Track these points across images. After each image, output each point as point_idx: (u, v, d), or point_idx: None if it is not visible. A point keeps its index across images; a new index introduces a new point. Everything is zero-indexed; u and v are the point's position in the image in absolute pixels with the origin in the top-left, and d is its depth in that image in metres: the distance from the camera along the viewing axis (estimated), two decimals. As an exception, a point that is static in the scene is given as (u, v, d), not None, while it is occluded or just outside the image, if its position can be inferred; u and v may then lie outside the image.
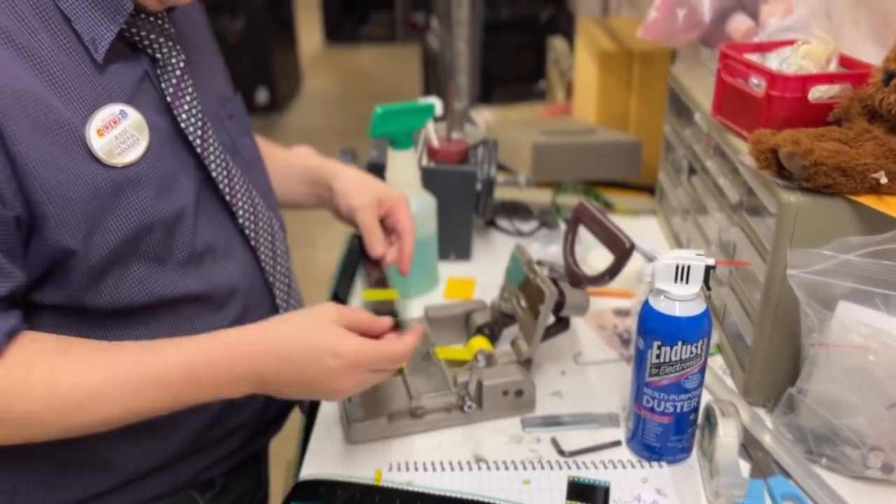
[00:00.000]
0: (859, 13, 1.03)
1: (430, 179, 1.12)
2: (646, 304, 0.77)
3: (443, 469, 0.81)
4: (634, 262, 0.85)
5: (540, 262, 0.93)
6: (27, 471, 0.80)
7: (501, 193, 1.38)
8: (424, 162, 1.20)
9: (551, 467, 0.81)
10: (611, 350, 1.01)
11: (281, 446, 1.13)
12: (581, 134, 1.48)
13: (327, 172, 1.02)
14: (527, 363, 0.91)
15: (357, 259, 1.03)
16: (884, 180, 0.76)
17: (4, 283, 0.68)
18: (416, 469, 0.82)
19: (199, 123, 0.80)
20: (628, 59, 1.50)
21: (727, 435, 0.77)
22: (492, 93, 2.88)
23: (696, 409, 0.80)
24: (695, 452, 0.83)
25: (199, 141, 0.80)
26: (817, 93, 0.85)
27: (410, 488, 0.79)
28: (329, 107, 5.21)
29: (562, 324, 0.93)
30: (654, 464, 0.82)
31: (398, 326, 0.79)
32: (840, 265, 0.75)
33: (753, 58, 0.93)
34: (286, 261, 0.95)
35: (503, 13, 3.06)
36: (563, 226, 1.32)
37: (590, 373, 0.97)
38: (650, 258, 0.82)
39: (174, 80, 0.78)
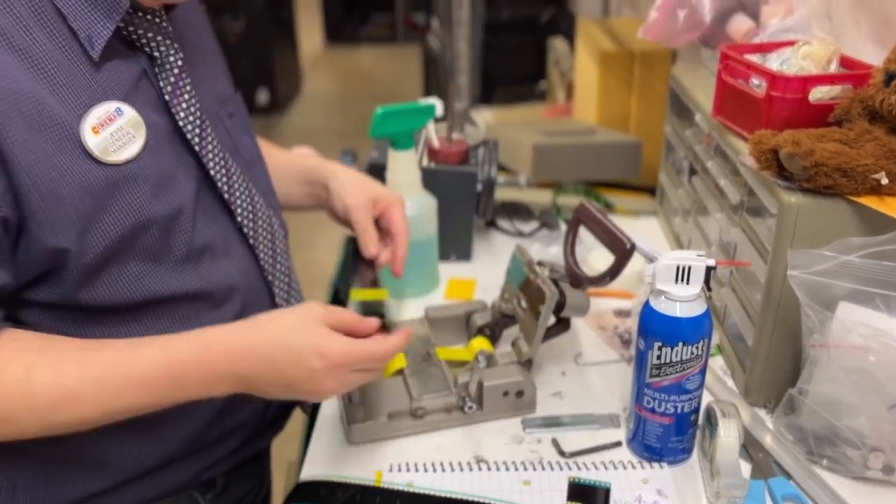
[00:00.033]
0: (860, 14, 1.03)
1: (430, 180, 1.12)
2: (646, 304, 0.77)
3: (443, 470, 0.81)
4: (635, 263, 0.85)
5: (540, 263, 0.93)
6: (28, 468, 0.80)
7: (502, 194, 1.38)
8: (425, 162, 1.20)
9: (552, 468, 0.81)
10: (611, 351, 1.01)
11: (283, 446, 1.14)
12: (581, 134, 1.48)
13: (324, 172, 1.03)
14: (527, 364, 0.91)
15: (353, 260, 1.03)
16: (884, 181, 0.76)
17: None
18: (417, 470, 0.82)
19: (198, 122, 0.80)
20: (629, 60, 1.50)
21: (728, 436, 0.77)
22: (492, 93, 2.88)
23: (696, 410, 0.80)
24: (695, 453, 0.83)
25: (197, 139, 0.80)
26: (818, 94, 0.85)
27: (411, 489, 0.79)
28: (329, 107, 5.21)
29: (562, 324, 0.93)
30: (655, 464, 0.82)
31: (385, 327, 0.79)
32: (841, 266, 0.75)
33: (754, 58, 0.93)
34: (286, 260, 0.95)
35: (504, 14, 3.06)
36: (563, 226, 1.32)
37: (590, 373, 0.97)
38: (651, 259, 0.82)
39: (172, 79, 0.78)
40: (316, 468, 0.83)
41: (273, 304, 0.92)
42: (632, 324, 1.06)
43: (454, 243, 1.21)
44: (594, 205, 0.91)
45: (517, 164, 1.43)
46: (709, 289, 0.76)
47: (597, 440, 0.85)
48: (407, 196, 1.06)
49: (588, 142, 1.44)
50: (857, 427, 0.76)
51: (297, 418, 1.06)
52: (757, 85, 0.90)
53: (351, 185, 0.99)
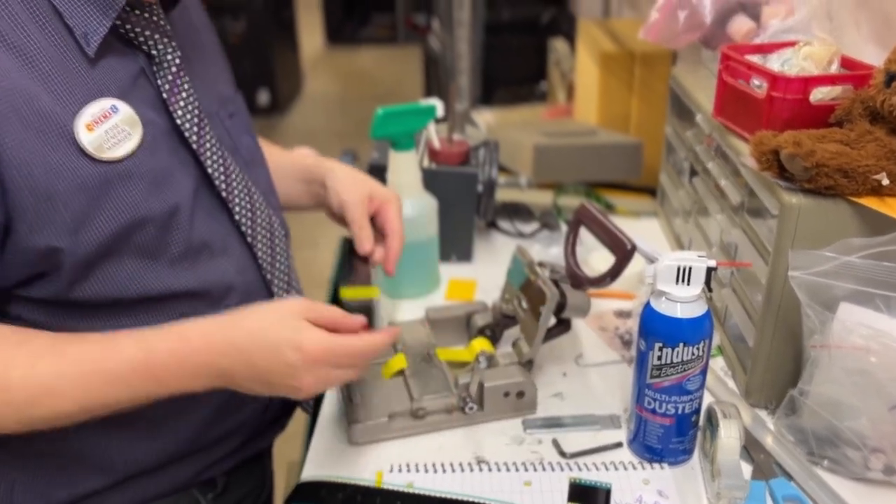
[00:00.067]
0: (861, 14, 1.03)
1: (431, 181, 1.12)
2: (647, 305, 0.77)
3: (444, 470, 0.81)
4: (636, 264, 0.85)
5: (541, 264, 0.93)
6: (26, 466, 0.80)
7: (502, 195, 1.38)
8: (426, 163, 1.20)
9: (552, 469, 0.81)
10: (612, 351, 1.01)
11: (284, 446, 1.14)
12: (582, 135, 1.48)
13: (322, 169, 1.02)
14: (528, 364, 0.91)
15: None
16: (885, 182, 0.76)
17: None
18: (418, 470, 0.82)
19: (196, 120, 0.80)
20: (629, 61, 1.50)
21: (729, 437, 0.77)
22: (493, 94, 2.88)
23: (697, 411, 0.80)
24: (696, 454, 0.83)
25: (195, 137, 0.80)
26: (819, 94, 0.85)
27: (411, 490, 0.79)
28: (330, 108, 5.21)
29: (563, 325, 0.93)
30: (656, 465, 0.82)
31: (372, 326, 0.77)
32: (841, 267, 0.75)
33: (755, 59, 0.93)
34: (286, 259, 0.95)
35: (504, 15, 3.06)
36: (564, 227, 1.32)
37: (591, 374, 0.97)
38: (651, 260, 0.82)
39: (170, 77, 0.78)
40: (316, 468, 0.83)
41: None
42: (632, 325, 1.06)
43: (455, 244, 1.21)
44: (595, 206, 0.91)
45: (518, 165, 1.44)
46: (709, 290, 0.75)
47: (597, 441, 0.85)
48: (407, 197, 1.06)
49: (589, 143, 1.44)
50: (858, 428, 0.76)
51: (300, 418, 1.06)
52: (758, 86, 0.90)
53: (347, 181, 0.98)
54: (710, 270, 0.74)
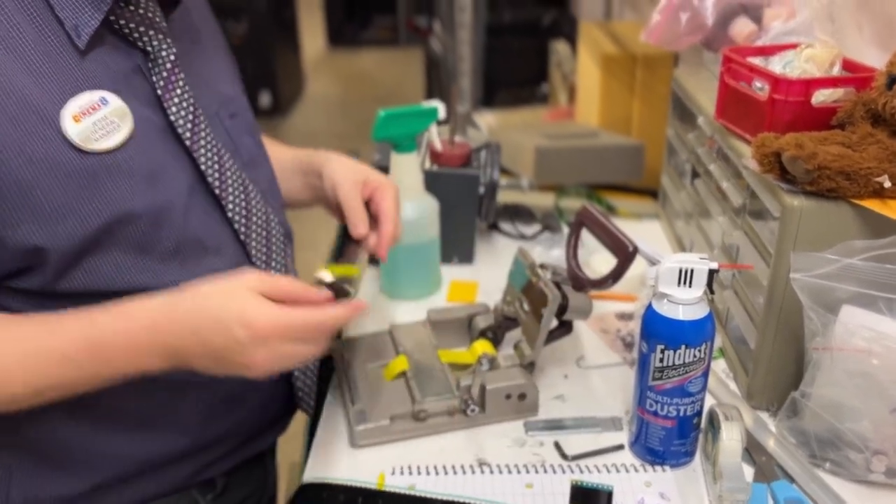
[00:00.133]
0: (862, 17, 1.03)
1: (432, 183, 1.12)
2: (649, 307, 0.77)
3: (445, 473, 0.81)
4: (637, 266, 0.85)
5: (543, 266, 0.93)
6: (24, 461, 0.81)
7: (504, 197, 1.38)
8: (427, 165, 1.20)
9: (554, 471, 0.81)
10: (614, 354, 1.01)
11: (287, 448, 1.14)
12: (584, 137, 1.48)
13: (318, 159, 1.01)
14: (530, 367, 0.91)
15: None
16: (887, 184, 0.76)
17: None
18: (419, 473, 0.81)
19: (190, 117, 0.80)
20: (631, 63, 1.50)
21: (730, 439, 0.77)
22: (494, 96, 2.89)
23: (699, 413, 0.80)
24: (698, 456, 0.83)
25: (188, 134, 0.80)
26: (821, 96, 0.85)
27: (413, 492, 0.79)
28: (331, 110, 5.21)
29: (565, 327, 0.93)
30: (658, 468, 0.82)
31: (341, 295, 0.73)
32: (843, 269, 0.75)
33: (756, 61, 0.93)
34: (283, 259, 0.94)
35: (506, 17, 3.06)
36: (565, 229, 1.32)
37: (593, 376, 0.97)
38: (653, 262, 0.82)
39: (164, 73, 0.78)
40: (318, 471, 0.83)
41: None
42: (634, 327, 1.06)
43: (456, 246, 1.21)
44: (596, 207, 0.91)
45: (519, 167, 1.44)
46: (711, 292, 0.75)
47: (599, 443, 0.85)
48: (409, 199, 1.06)
49: (590, 145, 1.44)
50: (860, 430, 0.76)
51: (301, 420, 1.06)
52: (759, 88, 0.90)
53: (341, 167, 0.97)
54: (711, 272, 0.74)
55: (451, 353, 0.96)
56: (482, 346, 0.93)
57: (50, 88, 0.70)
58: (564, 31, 2.63)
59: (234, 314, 0.68)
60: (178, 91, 0.79)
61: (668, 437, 0.80)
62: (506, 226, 1.34)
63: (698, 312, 0.75)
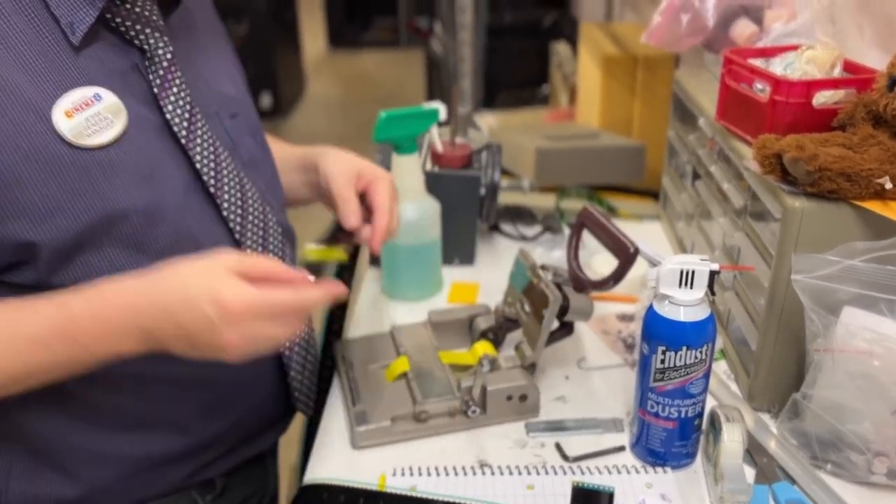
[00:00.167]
0: (863, 18, 1.03)
1: (433, 184, 1.12)
2: (650, 309, 0.77)
3: (447, 474, 0.81)
4: (638, 267, 0.85)
5: (544, 267, 0.93)
6: (22, 462, 0.81)
7: (505, 198, 1.38)
8: (428, 167, 1.20)
9: (555, 472, 0.81)
10: (615, 355, 1.01)
11: (289, 450, 1.14)
12: (584, 138, 1.48)
13: (315, 154, 1.01)
14: (531, 368, 0.91)
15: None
16: (888, 185, 0.76)
17: None
18: (420, 474, 0.81)
19: (186, 115, 0.80)
20: (632, 64, 1.50)
21: (732, 440, 0.77)
22: (495, 97, 2.89)
23: (700, 415, 0.80)
24: (699, 458, 0.83)
25: (184, 132, 0.80)
26: (822, 98, 0.85)
27: (414, 493, 0.79)
28: (332, 111, 5.22)
29: (566, 329, 0.93)
30: (659, 469, 0.82)
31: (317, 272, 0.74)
32: (845, 270, 0.75)
33: (757, 63, 0.93)
34: (280, 258, 0.94)
35: (507, 18, 3.07)
36: (566, 230, 1.32)
37: (594, 378, 0.97)
38: (654, 263, 0.82)
39: (161, 72, 0.78)
40: (319, 472, 0.83)
41: None
42: (635, 328, 1.05)
43: (457, 247, 1.21)
44: (597, 209, 0.91)
45: (520, 168, 1.44)
46: (712, 293, 0.75)
47: (600, 444, 0.85)
48: (410, 200, 1.06)
49: (591, 146, 1.44)
50: (861, 432, 0.76)
51: (303, 421, 1.06)
52: (760, 89, 0.90)
53: (336, 160, 0.96)
54: (713, 274, 0.74)
55: (453, 354, 0.96)
56: (483, 348, 0.93)
57: (43, 84, 0.70)
58: (565, 33, 2.63)
59: (206, 292, 0.67)
60: (175, 89, 0.79)
61: (670, 438, 0.80)
62: (507, 227, 1.34)
63: (699, 314, 0.75)
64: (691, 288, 0.74)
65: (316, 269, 0.76)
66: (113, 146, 0.73)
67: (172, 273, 0.70)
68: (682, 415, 0.79)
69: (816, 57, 0.89)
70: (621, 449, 0.85)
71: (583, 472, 0.81)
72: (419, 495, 0.79)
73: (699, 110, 1.08)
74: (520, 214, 1.37)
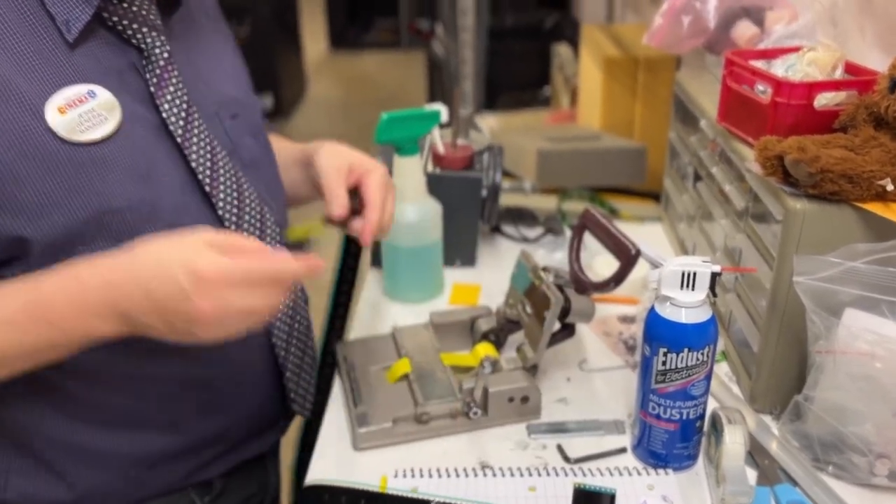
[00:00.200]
0: (865, 20, 1.03)
1: (435, 186, 1.12)
2: (651, 310, 0.77)
3: (448, 476, 0.81)
4: (640, 269, 0.85)
5: (545, 269, 0.93)
6: (19, 462, 0.81)
7: (507, 200, 1.38)
8: (430, 168, 1.20)
9: (557, 474, 0.81)
10: (616, 357, 1.01)
11: (288, 450, 1.14)
12: (586, 140, 1.48)
13: (312, 149, 1.00)
14: (532, 369, 0.91)
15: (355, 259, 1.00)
16: (890, 187, 0.76)
17: None
18: (422, 475, 0.81)
19: (183, 114, 0.80)
20: (633, 66, 1.50)
21: (733, 442, 0.77)
22: (496, 99, 2.89)
23: (702, 416, 0.80)
24: (701, 460, 0.83)
25: (180, 131, 0.80)
26: (823, 100, 0.85)
27: (415, 495, 0.79)
28: (333, 113, 5.22)
29: (567, 330, 0.93)
30: (660, 471, 0.82)
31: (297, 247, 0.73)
32: (846, 272, 0.75)
33: (759, 64, 0.93)
34: None
35: (508, 20, 3.07)
36: (568, 232, 1.32)
37: (595, 379, 0.97)
38: (656, 265, 0.82)
39: (157, 71, 0.78)
40: (321, 473, 0.83)
41: None
42: (637, 330, 1.05)
43: (459, 249, 1.21)
44: (599, 210, 0.91)
45: (522, 170, 1.44)
46: (714, 295, 0.75)
47: (602, 446, 0.85)
48: (412, 201, 1.06)
49: (592, 147, 1.44)
50: (863, 433, 0.75)
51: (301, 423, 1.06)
52: (762, 91, 0.90)
53: (328, 153, 0.96)
54: (714, 275, 0.74)
55: (454, 355, 0.96)
56: (485, 349, 0.93)
57: (38, 81, 0.70)
58: (566, 34, 2.63)
59: (179, 261, 0.66)
60: (171, 89, 0.79)
61: (671, 440, 0.80)
62: (508, 228, 1.34)
63: (701, 315, 0.75)
64: (693, 289, 0.74)
65: (297, 248, 0.76)
66: (107, 142, 0.73)
67: (147, 248, 0.69)
68: (684, 416, 0.79)
69: (818, 58, 0.89)
70: (623, 451, 0.85)
71: (584, 474, 0.81)
72: (420, 497, 0.79)
73: (700, 112, 1.08)
74: (521, 216, 1.37)
